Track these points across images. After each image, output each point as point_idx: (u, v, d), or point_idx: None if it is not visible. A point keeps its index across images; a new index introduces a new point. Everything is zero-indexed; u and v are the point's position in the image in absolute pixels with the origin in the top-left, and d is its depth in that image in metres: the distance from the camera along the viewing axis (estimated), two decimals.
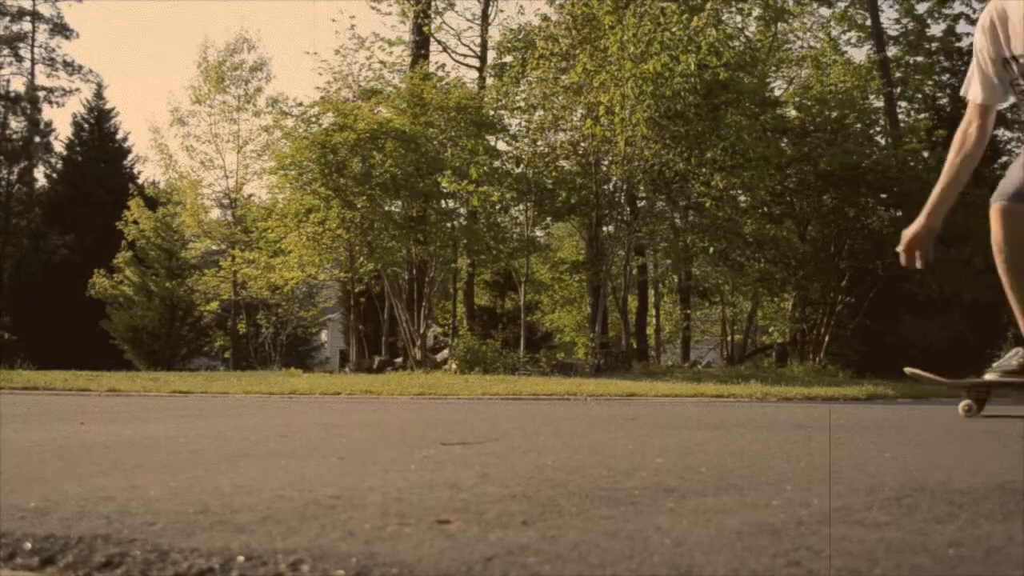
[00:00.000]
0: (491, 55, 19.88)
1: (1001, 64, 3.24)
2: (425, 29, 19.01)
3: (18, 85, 33.96)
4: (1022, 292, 3.46)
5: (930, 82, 23.74)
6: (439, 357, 13.17)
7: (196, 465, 1.96)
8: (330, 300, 25.51)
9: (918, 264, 3.45)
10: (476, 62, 20.10)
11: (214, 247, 23.62)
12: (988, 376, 3.71)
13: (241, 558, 1.08)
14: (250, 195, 23.75)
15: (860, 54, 26.89)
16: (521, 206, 13.90)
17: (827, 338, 15.24)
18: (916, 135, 18.75)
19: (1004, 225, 3.35)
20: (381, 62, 18.38)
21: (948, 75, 23.65)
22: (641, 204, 14.21)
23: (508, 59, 18.37)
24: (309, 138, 13.04)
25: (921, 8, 23.09)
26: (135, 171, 29.12)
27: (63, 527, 1.23)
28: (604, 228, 13.75)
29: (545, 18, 15.93)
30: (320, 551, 1.10)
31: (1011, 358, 3.69)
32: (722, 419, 3.69)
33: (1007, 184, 3.41)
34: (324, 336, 33.21)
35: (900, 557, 1.07)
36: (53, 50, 34.63)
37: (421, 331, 13.21)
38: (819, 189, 14.85)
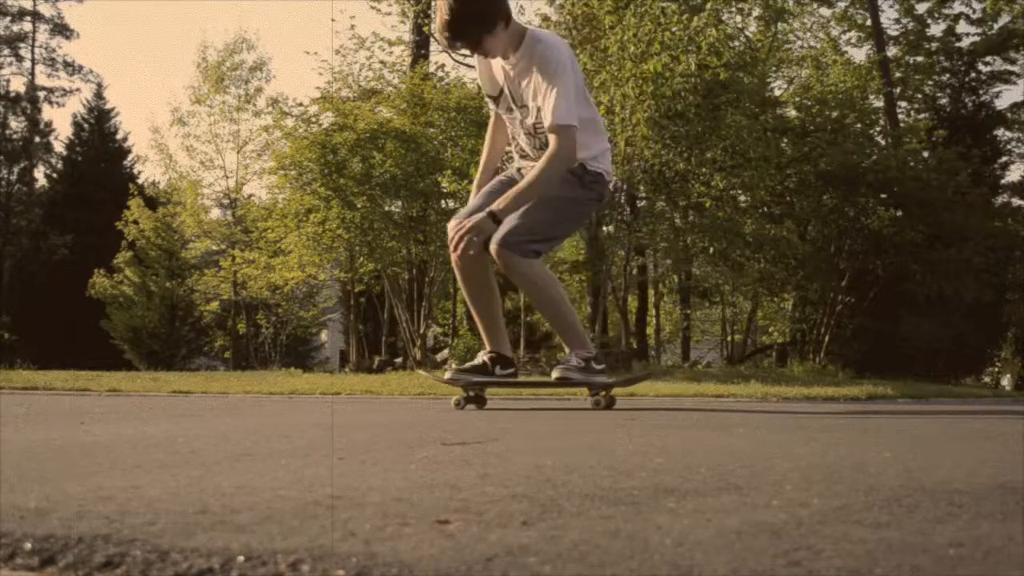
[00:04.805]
0: None
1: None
2: (425, 29, 19.00)
3: (18, 85, 33.99)
4: (479, 301, 4.09)
5: (930, 82, 23.75)
6: (439, 357, 13.17)
7: (196, 465, 1.96)
8: (330, 300, 25.52)
9: (463, 250, 3.81)
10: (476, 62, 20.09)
11: (214, 247, 23.63)
12: (448, 375, 4.20)
13: (241, 558, 1.08)
14: (250, 195, 23.77)
15: (860, 54, 26.87)
16: None
17: (827, 338, 15.24)
18: (916, 135, 18.74)
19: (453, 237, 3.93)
20: (381, 62, 18.38)
21: (948, 75, 23.66)
22: (641, 204, 14.20)
23: None
24: (309, 138, 13.04)
25: (921, 8, 23.10)
26: (135, 171, 29.14)
27: (63, 527, 1.23)
28: (604, 228, 13.74)
29: (545, 18, 15.94)
30: (320, 551, 1.10)
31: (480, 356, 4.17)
32: (722, 419, 3.69)
33: (468, 206, 4.05)
34: (324, 336, 33.21)
35: (900, 557, 1.07)
36: (53, 50, 34.65)
37: (421, 331, 13.21)
38: (819, 189, 14.84)
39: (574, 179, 3.94)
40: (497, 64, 3.97)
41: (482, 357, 4.15)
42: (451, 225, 3.97)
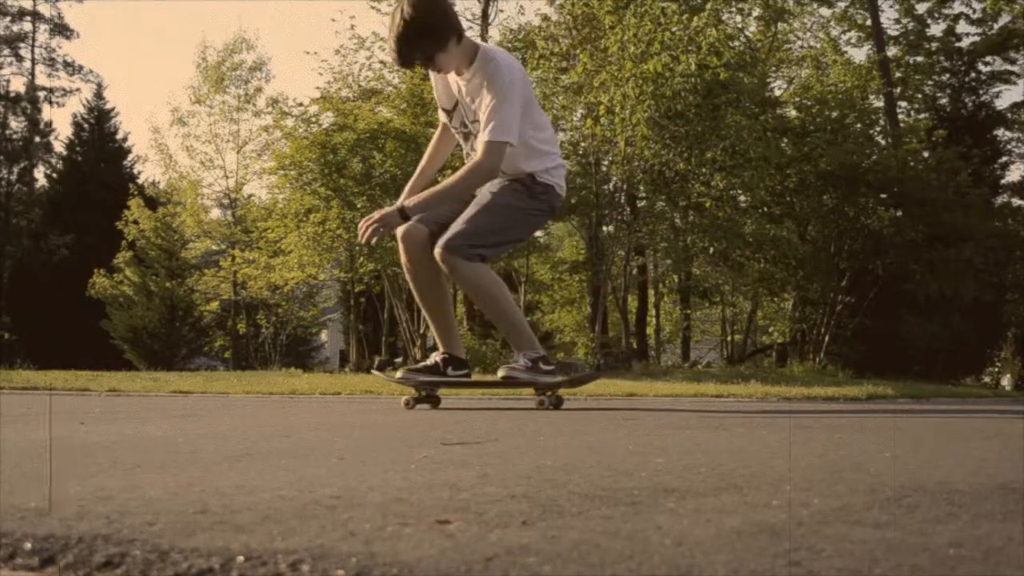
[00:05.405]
0: None
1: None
2: None
3: (18, 85, 34.00)
4: (430, 304, 4.23)
5: (930, 82, 23.74)
6: None
7: (196, 465, 1.96)
8: (330, 300, 25.51)
9: (367, 237, 3.98)
10: None
11: (214, 247, 23.63)
12: (399, 374, 4.32)
13: (241, 558, 1.08)
14: (250, 195, 23.77)
15: (860, 54, 26.88)
16: None
17: (827, 338, 15.24)
18: (916, 135, 18.74)
19: (404, 243, 4.09)
20: (381, 62, 18.38)
21: (948, 75, 23.64)
22: (641, 204, 14.20)
23: None
24: (309, 138, 13.04)
25: (921, 8, 23.10)
26: (135, 171, 29.13)
27: (63, 527, 1.23)
28: (604, 228, 13.74)
29: (545, 18, 15.95)
30: (320, 551, 1.10)
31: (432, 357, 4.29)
32: (722, 419, 3.69)
33: (427, 216, 4.10)
34: (324, 336, 33.20)
35: (900, 557, 1.07)
36: (53, 50, 34.66)
37: (421, 331, 13.21)
38: (819, 189, 14.84)
39: (523, 189, 4.06)
40: (452, 79, 4.07)
41: (435, 358, 4.25)
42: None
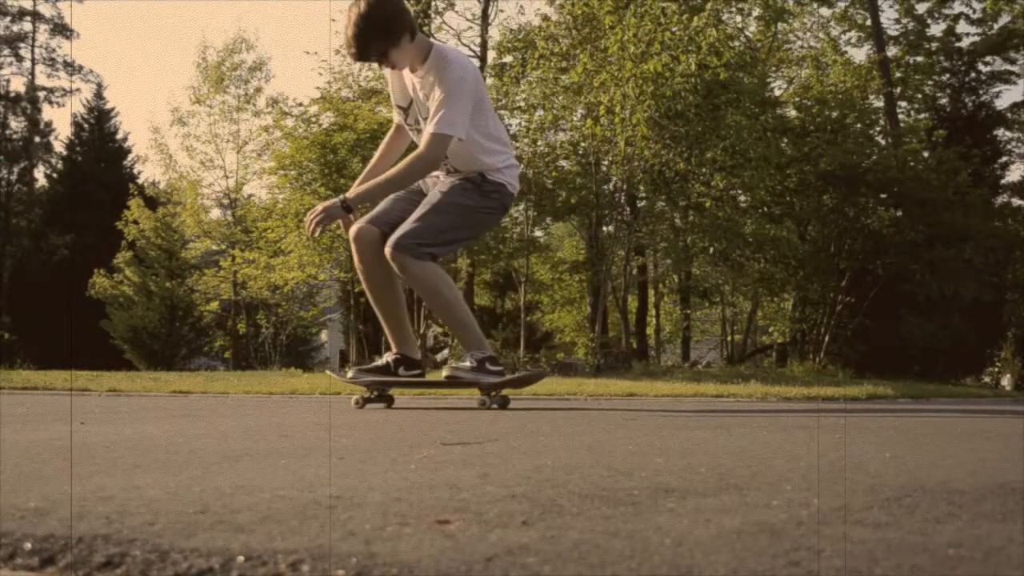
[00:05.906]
0: (491, 55, 19.91)
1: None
2: (425, 29, 19.01)
3: (18, 85, 33.99)
4: (383, 304, 4.24)
5: (930, 82, 23.73)
6: (439, 357, 13.16)
7: (196, 465, 1.96)
8: (330, 300, 25.49)
9: (311, 230, 4.02)
10: (476, 62, 20.10)
11: (214, 247, 23.63)
12: (351, 373, 4.36)
13: (241, 558, 1.08)
14: (250, 195, 23.78)
15: (860, 54, 26.88)
16: (521, 206, 13.90)
17: (827, 338, 15.24)
18: (916, 135, 18.74)
19: (356, 243, 4.11)
20: None
21: (948, 75, 23.64)
22: (641, 204, 14.20)
23: (508, 59, 18.38)
24: (309, 138, 13.05)
25: (921, 8, 23.09)
26: (135, 171, 29.11)
27: (63, 527, 1.23)
28: (604, 228, 13.74)
29: (545, 18, 15.93)
30: (320, 551, 1.10)
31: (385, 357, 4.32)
32: (722, 419, 3.69)
33: (372, 212, 4.18)
34: (324, 336, 33.19)
35: (900, 557, 1.07)
36: (53, 50, 34.65)
37: (421, 331, 13.21)
38: (819, 189, 14.84)
39: (473, 188, 4.10)
40: (407, 77, 4.13)
41: (387, 358, 4.28)
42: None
